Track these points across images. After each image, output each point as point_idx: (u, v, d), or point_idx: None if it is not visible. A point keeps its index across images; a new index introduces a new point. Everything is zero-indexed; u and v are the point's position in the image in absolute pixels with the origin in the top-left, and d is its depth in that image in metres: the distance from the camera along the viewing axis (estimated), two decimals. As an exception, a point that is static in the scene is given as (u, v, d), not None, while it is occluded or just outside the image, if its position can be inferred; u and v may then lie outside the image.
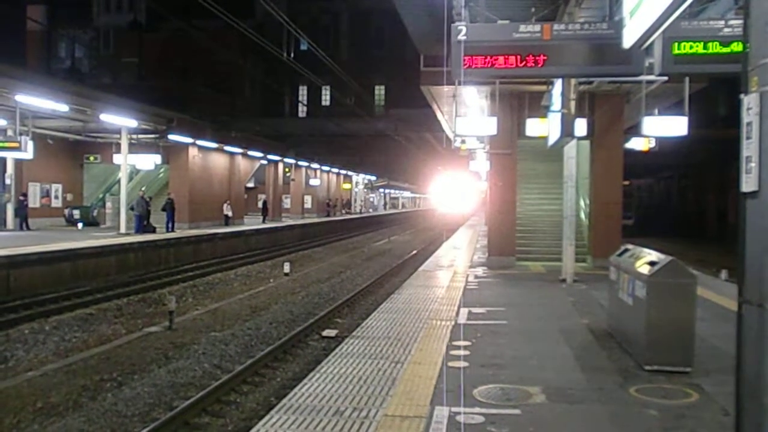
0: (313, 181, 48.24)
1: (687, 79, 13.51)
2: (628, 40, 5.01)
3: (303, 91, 56.41)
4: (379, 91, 54.31)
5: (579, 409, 5.39)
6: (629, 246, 8.03)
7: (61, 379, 9.43)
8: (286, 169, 43.06)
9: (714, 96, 34.02)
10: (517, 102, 15.95)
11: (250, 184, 42.72)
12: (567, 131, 10.80)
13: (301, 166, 45.02)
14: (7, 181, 25.14)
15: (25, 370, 10.05)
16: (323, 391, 5.68)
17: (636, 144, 18.43)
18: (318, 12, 56.00)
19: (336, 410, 5.17)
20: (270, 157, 38.01)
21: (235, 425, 7.90)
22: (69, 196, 30.16)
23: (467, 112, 15.38)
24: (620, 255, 7.91)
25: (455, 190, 68.62)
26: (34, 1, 55.89)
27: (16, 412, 8.05)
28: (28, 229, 24.73)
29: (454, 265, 16.16)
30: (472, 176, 30.43)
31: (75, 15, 62.23)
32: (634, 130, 17.49)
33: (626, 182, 16.68)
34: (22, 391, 8.89)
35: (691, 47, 6.74)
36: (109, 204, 29.55)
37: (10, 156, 23.03)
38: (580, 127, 11.94)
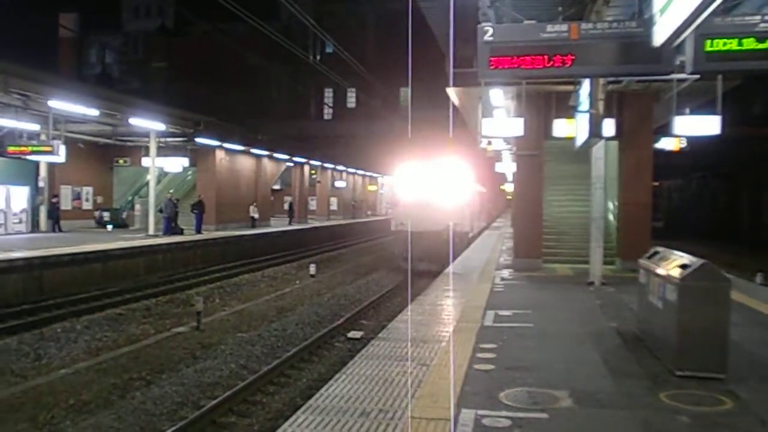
0: (339, 183, 48.32)
1: (720, 76, 13.25)
2: (659, 38, 4.93)
3: (329, 94, 56.61)
4: (405, 92, 54.22)
5: (608, 415, 5.30)
6: (659, 248, 7.88)
7: (92, 377, 9.56)
8: (312, 171, 43.22)
9: (748, 94, 33.30)
10: (544, 102, 15.80)
11: (277, 186, 42.95)
12: (595, 132, 10.67)
13: (326, 168, 45.16)
14: (40, 184, 25.63)
15: (58, 367, 10.22)
16: (349, 392, 5.67)
17: (666, 144, 18.17)
18: (343, 14, 56.15)
19: (362, 412, 5.16)
20: (296, 159, 38.19)
21: (261, 425, 7.94)
22: (99, 199, 30.63)
23: (493, 113, 15.26)
24: (650, 257, 7.77)
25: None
26: (66, 9, 56.94)
27: (50, 409, 8.19)
28: (60, 230, 25.16)
29: (480, 266, 16.06)
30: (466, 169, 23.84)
31: (105, 22, 63.30)
32: (665, 130, 17.23)
33: (656, 183, 16.41)
34: (55, 387, 9.04)
35: (724, 44, 6.60)
36: (137, 206, 29.94)
37: (43, 159, 23.45)
38: (609, 127, 11.80)
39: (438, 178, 21.71)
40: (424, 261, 20.26)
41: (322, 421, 4.94)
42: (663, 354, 6.86)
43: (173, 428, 7.34)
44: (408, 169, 22.49)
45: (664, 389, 5.91)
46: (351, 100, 52.80)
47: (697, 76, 11.52)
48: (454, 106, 18.45)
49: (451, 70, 15.07)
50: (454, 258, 17.68)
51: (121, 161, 30.76)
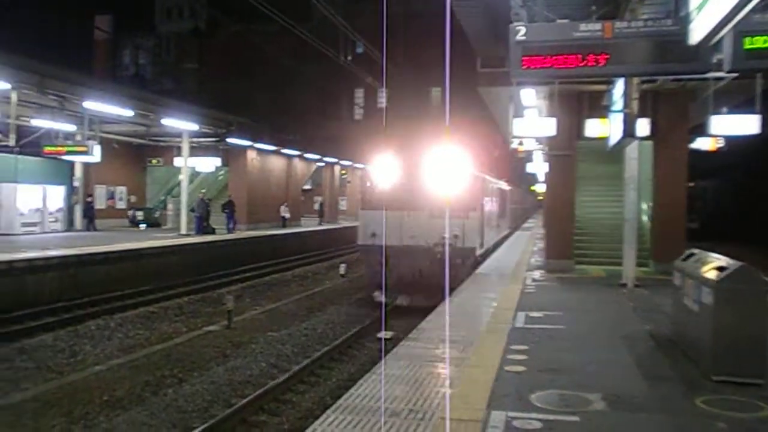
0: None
1: (759, 74, 12.95)
2: (696, 36, 4.84)
3: (359, 94, 56.69)
4: (436, 92, 54.06)
5: (641, 419, 5.21)
6: (695, 250, 7.73)
7: (126, 374, 9.72)
8: (343, 171, 43.34)
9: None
10: (577, 102, 15.61)
11: (307, 186, 43.18)
12: (629, 131, 10.51)
13: (357, 168, 45.26)
14: (76, 184, 26.15)
15: (92, 364, 10.41)
16: (379, 392, 5.67)
17: (702, 144, 17.82)
18: (373, 14, 56.17)
19: (392, 412, 5.15)
20: (326, 159, 38.34)
21: (292, 424, 7.98)
22: (132, 198, 31.13)
23: (525, 113, 15.15)
24: (685, 259, 7.63)
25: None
26: (101, 10, 57.96)
27: (84, 404, 8.35)
28: (95, 229, 25.61)
29: (511, 268, 15.94)
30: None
31: (138, 23, 64.28)
32: (701, 130, 16.89)
33: (691, 184, 16.11)
34: (89, 384, 9.21)
35: (764, 41, 6.43)
36: (170, 206, 30.35)
37: (78, 159, 23.91)
38: (643, 127, 11.61)
39: (433, 170, 14.82)
40: (407, 293, 14.79)
41: (352, 420, 4.95)
42: (698, 358, 6.73)
43: (204, 426, 7.42)
44: (389, 158, 15.66)
45: (700, 394, 5.79)
46: (381, 101, 52.87)
47: (735, 75, 11.27)
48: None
49: (479, 69, 15.04)
50: (452, 292, 11.93)
51: (154, 161, 31.24)
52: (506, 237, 26.64)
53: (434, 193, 14.83)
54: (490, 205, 19.15)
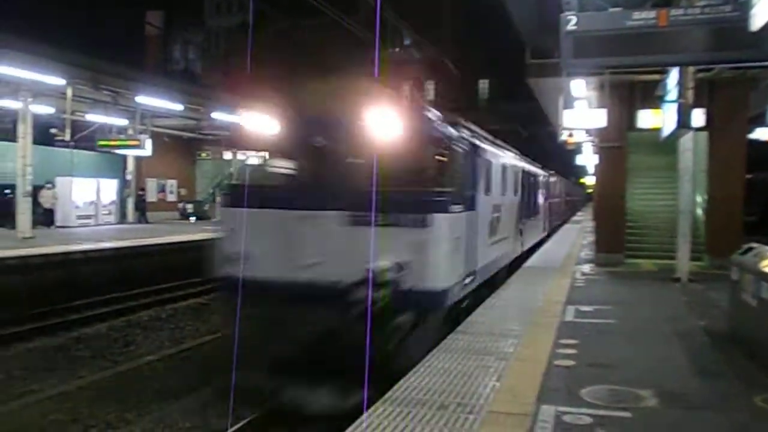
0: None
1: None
2: (757, 21, 4.67)
3: (407, 86, 56.59)
4: (484, 84, 53.54)
5: (697, 417, 5.08)
6: (753, 244, 7.48)
7: (177, 364, 9.94)
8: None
9: None
10: (628, 92, 15.26)
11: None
12: (683, 122, 10.24)
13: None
14: (128, 177, 26.82)
15: (145, 354, 10.69)
16: (427, 384, 5.66)
17: (763, 134, 17.20)
18: (421, 6, 55.99)
19: (440, 404, 5.14)
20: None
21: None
22: (182, 191, 31.77)
23: (575, 104, 14.90)
24: (744, 253, 7.40)
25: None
26: (153, 6, 59.20)
27: (138, 393, 8.57)
28: (147, 222, 26.23)
29: (560, 261, 15.73)
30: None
31: (188, 19, 65.43)
32: (761, 119, 16.32)
33: (749, 175, 15.58)
34: (142, 373, 9.46)
35: (831, 27, 6.18)
36: (218, 198, 30.85)
37: (130, 153, 24.55)
38: (698, 117, 11.29)
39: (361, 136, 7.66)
40: (300, 383, 7.41)
41: (400, 412, 4.96)
42: (757, 355, 6.52)
43: (255, 414, 7.52)
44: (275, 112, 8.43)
45: (759, 392, 5.61)
46: (429, 93, 52.66)
47: (798, 62, 10.85)
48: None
49: (528, 60, 14.83)
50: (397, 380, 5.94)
51: (203, 155, 31.79)
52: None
53: (361, 177, 7.41)
54: (502, 198, 12.00)
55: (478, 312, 9.19)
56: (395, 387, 5.59)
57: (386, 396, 5.35)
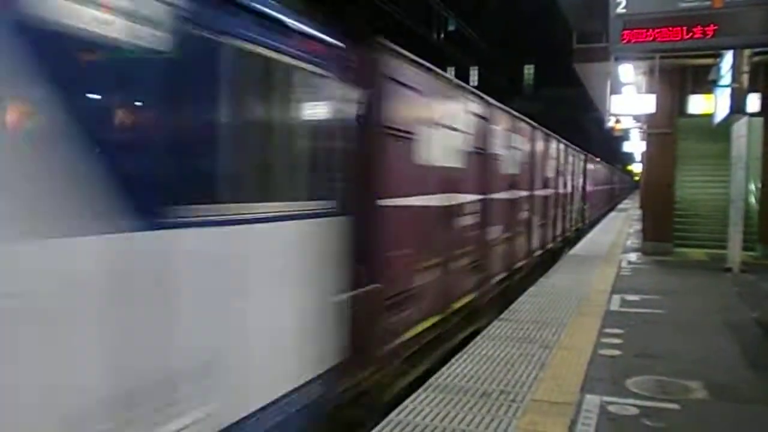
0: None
1: None
2: (818, 2, 4.48)
3: (450, 72, 56.18)
4: (528, 70, 52.69)
5: (749, 410, 4.96)
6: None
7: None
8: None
9: None
10: (678, 77, 14.86)
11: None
12: (738, 107, 9.93)
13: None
14: None
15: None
16: (470, 372, 5.66)
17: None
18: (465, -9, 55.32)
19: (483, 392, 5.14)
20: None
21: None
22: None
23: (623, 89, 14.60)
24: (799, 243, 7.17)
25: None
26: None
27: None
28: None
29: (606, 249, 15.48)
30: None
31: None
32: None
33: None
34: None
35: None
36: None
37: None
38: (753, 102, 10.93)
39: None
40: None
41: (443, 399, 4.97)
42: (812, 348, 6.34)
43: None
44: None
45: (814, 386, 5.46)
46: (473, 79, 52.13)
47: None
48: None
49: (575, 45, 14.55)
50: None
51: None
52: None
53: None
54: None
55: (522, 300, 9.14)
56: (437, 374, 5.62)
57: (429, 382, 5.38)
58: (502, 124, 9.76)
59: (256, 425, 3.52)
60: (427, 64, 6.51)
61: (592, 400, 4.99)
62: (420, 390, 5.20)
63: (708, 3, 6.68)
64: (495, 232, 9.37)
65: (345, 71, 4.60)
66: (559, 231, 16.17)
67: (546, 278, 11.16)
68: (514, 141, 10.67)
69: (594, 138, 45.77)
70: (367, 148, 5.20)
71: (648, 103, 13.33)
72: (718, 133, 13.68)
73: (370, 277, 5.21)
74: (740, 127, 12.00)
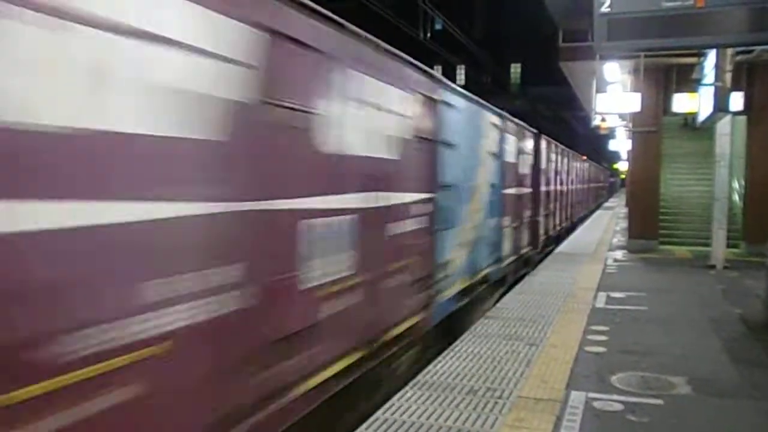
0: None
1: None
2: (799, 2, 4.53)
3: (437, 70, 56.09)
4: (515, 69, 52.91)
5: (731, 405, 5.02)
6: (792, 230, 7.33)
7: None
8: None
9: None
10: (663, 76, 14.99)
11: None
12: (721, 106, 10.00)
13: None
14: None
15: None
16: (457, 369, 5.68)
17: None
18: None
19: (470, 389, 5.16)
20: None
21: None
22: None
23: (608, 88, 14.68)
24: (781, 240, 7.25)
25: None
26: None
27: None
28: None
29: (592, 247, 15.58)
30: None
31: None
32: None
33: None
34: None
35: None
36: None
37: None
38: (736, 101, 11.03)
39: None
40: None
41: (430, 396, 4.99)
42: (794, 344, 6.42)
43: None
44: None
45: (795, 381, 5.53)
46: (460, 77, 52.17)
47: (844, 43, 10.51)
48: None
49: (560, 44, 14.62)
50: None
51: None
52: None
53: None
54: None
55: (509, 297, 9.18)
56: (424, 371, 5.64)
57: (415, 380, 5.40)
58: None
59: None
60: (338, 19, 4.65)
61: (578, 397, 5.03)
62: (407, 387, 5.22)
63: (691, 2, 6.72)
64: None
65: None
66: (542, 231, 14.92)
67: (533, 276, 11.22)
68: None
69: (580, 136, 46.01)
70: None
71: (633, 102, 13.43)
72: (702, 131, 13.85)
73: None
74: (724, 125, 12.12)
